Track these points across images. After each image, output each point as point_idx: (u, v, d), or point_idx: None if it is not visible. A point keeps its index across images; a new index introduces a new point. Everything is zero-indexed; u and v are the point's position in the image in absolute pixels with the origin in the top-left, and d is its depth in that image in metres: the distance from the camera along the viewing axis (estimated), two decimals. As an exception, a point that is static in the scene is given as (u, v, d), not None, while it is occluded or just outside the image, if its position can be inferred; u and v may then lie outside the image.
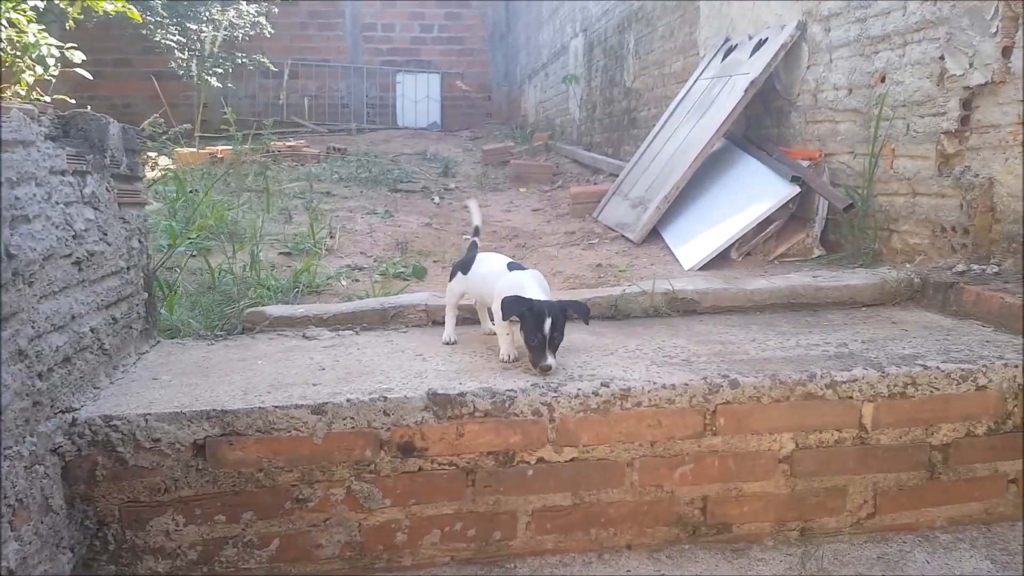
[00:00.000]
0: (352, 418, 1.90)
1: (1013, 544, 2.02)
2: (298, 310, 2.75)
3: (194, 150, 7.67)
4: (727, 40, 5.10)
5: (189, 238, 3.50)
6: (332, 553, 1.96)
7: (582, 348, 2.34)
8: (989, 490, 2.12)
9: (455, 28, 14.29)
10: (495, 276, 2.28)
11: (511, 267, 2.30)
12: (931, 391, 2.03)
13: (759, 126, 4.68)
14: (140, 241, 2.46)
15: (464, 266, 2.45)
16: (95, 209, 2.11)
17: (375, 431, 1.92)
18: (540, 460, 1.98)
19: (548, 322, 2.01)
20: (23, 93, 5.17)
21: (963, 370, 2.03)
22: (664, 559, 2.00)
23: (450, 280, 2.50)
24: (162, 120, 4.31)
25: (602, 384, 1.98)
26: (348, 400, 1.91)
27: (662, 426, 1.99)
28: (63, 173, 1.92)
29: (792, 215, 3.88)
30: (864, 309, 2.79)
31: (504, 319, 2.09)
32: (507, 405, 1.94)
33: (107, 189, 2.20)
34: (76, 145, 2.09)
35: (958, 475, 2.10)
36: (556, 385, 1.98)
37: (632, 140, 7.00)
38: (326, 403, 1.89)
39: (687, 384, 1.98)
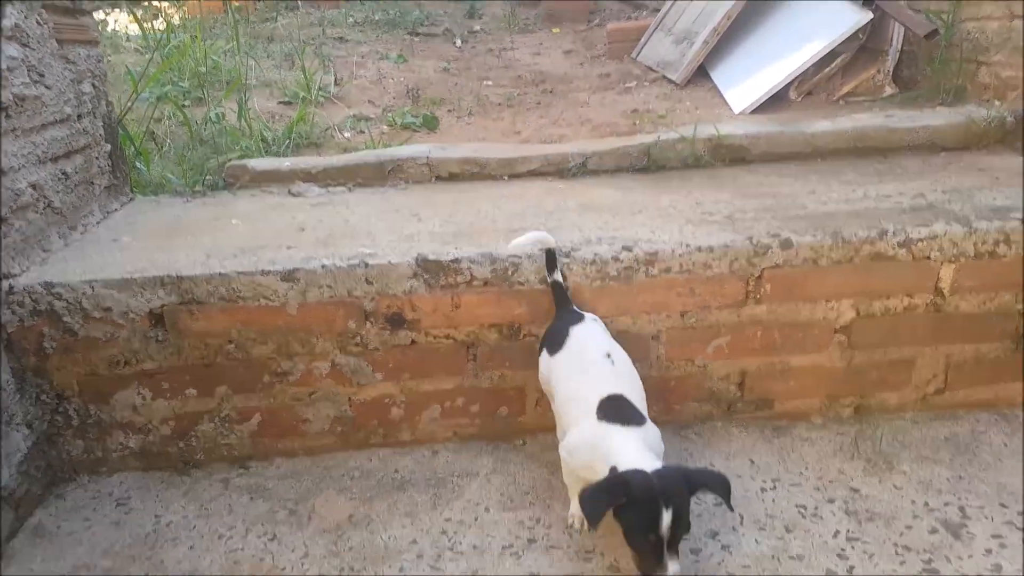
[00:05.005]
0: (329, 286, 1.63)
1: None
2: (284, 163, 2.43)
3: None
4: None
5: (160, 83, 3.12)
6: (321, 428, 1.78)
7: (605, 206, 1.99)
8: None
9: None
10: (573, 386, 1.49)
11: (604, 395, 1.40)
12: (1029, 250, 1.66)
13: (827, -59, 3.97)
14: (94, 85, 2.12)
15: (551, 338, 1.58)
16: (23, 46, 1.77)
17: (357, 301, 1.65)
18: (550, 333, 1.70)
19: (667, 515, 1.21)
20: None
21: (1073, 225, 1.64)
22: (693, 436, 1.77)
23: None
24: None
25: (623, 248, 1.65)
26: (323, 266, 1.63)
27: (695, 295, 1.67)
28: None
29: (861, 47, 3.32)
30: (944, 154, 2.35)
31: (591, 525, 1.28)
32: (510, 273, 1.64)
33: (38, 22, 1.84)
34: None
35: (1051, 348, 1.77)
36: (568, 250, 1.66)
37: (677, -31, 6.19)
38: (297, 269, 1.62)
39: (727, 246, 1.64)
